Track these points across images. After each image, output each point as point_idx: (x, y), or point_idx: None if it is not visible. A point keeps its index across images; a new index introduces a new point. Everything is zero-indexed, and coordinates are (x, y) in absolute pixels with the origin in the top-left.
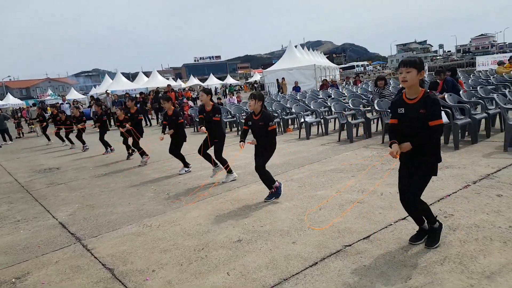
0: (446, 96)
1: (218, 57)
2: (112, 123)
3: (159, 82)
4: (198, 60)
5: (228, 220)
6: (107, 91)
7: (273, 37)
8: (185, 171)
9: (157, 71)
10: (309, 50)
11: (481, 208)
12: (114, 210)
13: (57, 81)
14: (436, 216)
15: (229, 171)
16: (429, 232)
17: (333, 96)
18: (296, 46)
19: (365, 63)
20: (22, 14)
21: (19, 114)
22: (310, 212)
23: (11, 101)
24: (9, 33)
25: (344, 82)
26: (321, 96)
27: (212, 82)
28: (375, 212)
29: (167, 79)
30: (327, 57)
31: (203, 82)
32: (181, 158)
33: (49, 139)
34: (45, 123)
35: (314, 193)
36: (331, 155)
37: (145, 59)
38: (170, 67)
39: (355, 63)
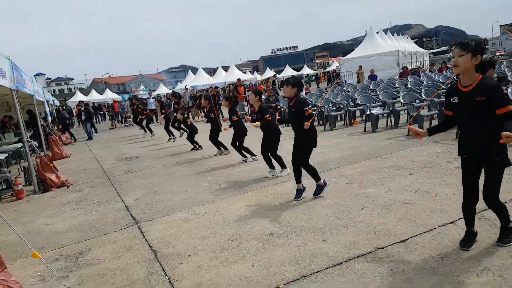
0: None
1: (296, 47)
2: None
3: (236, 75)
4: (275, 52)
5: (266, 213)
6: (186, 86)
7: (355, 22)
8: (253, 159)
9: (236, 65)
10: (395, 35)
11: None
12: (172, 197)
13: (149, 76)
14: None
15: (283, 167)
16: (502, 230)
17: (408, 85)
18: (378, 32)
19: None
20: (118, 15)
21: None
22: (351, 211)
23: (109, 95)
24: (106, 33)
25: (428, 69)
26: (397, 85)
27: (288, 73)
28: (422, 214)
29: (244, 72)
30: (415, 42)
31: (279, 74)
32: (245, 150)
33: (151, 131)
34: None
35: (362, 191)
36: (395, 150)
37: (225, 54)
38: (248, 61)
39: (447, 47)
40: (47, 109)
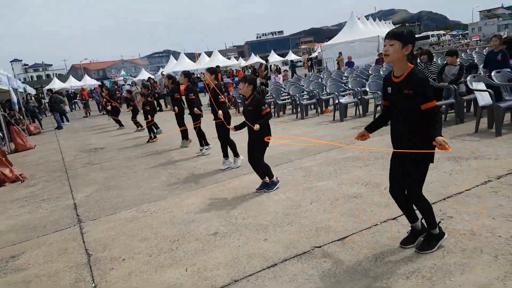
0: (493, 74)
1: (281, 32)
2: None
3: (220, 61)
4: (260, 37)
5: (216, 210)
6: (162, 73)
7: (341, 7)
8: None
9: (220, 50)
10: (377, 21)
11: (489, 211)
12: (124, 193)
13: (130, 62)
14: (439, 222)
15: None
16: (425, 236)
17: (381, 73)
18: (359, 18)
19: (441, 32)
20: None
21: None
22: (299, 206)
23: (88, 81)
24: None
25: None
26: (370, 72)
27: (274, 59)
28: (367, 209)
29: (229, 58)
30: (398, 27)
31: (264, 60)
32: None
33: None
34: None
35: (315, 185)
36: (357, 140)
37: (210, 38)
38: (234, 46)
39: (430, 33)
40: (14, 98)
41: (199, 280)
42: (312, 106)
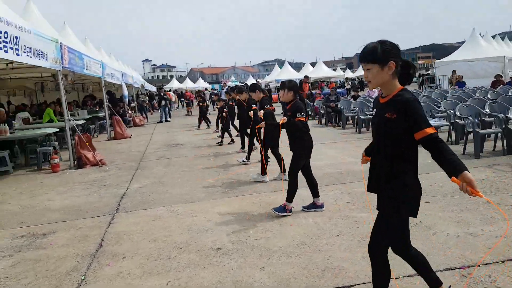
0: None
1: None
2: None
3: (324, 72)
4: None
5: (233, 224)
6: (257, 80)
7: (467, 22)
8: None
9: (328, 61)
10: (506, 40)
11: None
12: (170, 190)
13: (242, 69)
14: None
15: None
16: None
17: (489, 97)
18: (483, 35)
19: None
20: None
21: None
22: (322, 236)
23: (201, 84)
24: (207, 24)
25: None
26: (478, 94)
27: None
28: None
29: (334, 69)
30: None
31: None
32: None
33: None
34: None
35: (354, 215)
36: (431, 169)
37: (321, 49)
38: (343, 57)
39: None
40: (125, 92)
41: None
42: None
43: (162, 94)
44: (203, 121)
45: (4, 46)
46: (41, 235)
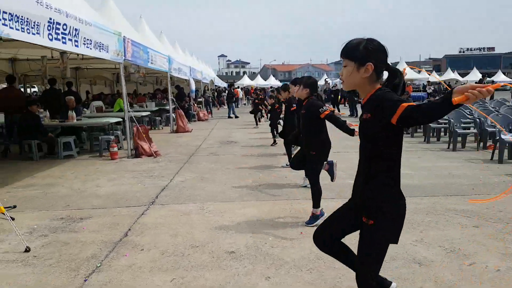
0: None
1: (492, 48)
2: None
3: (407, 73)
4: (463, 52)
5: (256, 228)
6: (326, 79)
7: None
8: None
9: (414, 62)
10: None
11: None
12: (208, 186)
13: (316, 67)
14: None
15: None
16: None
17: None
18: None
19: None
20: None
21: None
22: None
23: (272, 82)
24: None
25: None
26: None
27: (474, 77)
28: (416, 281)
29: (418, 72)
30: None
31: (463, 77)
32: None
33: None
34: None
35: None
36: (497, 191)
37: (405, 48)
38: (430, 58)
39: None
40: (192, 87)
41: None
42: (473, 138)
43: (231, 90)
44: (261, 119)
45: (63, 38)
46: (78, 219)
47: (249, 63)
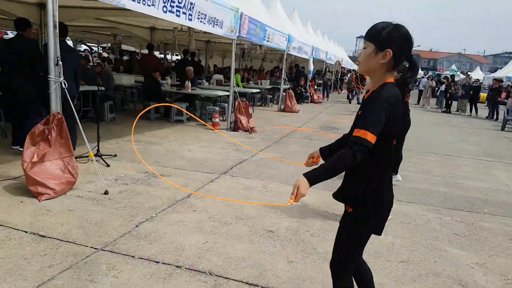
0: None
1: None
2: None
3: None
4: None
5: (306, 215)
6: (468, 73)
7: None
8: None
9: None
10: None
11: None
12: (282, 167)
13: (468, 57)
14: None
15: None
16: None
17: None
18: None
19: None
20: None
21: None
22: (382, 255)
23: None
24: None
25: None
26: None
27: None
28: None
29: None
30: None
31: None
32: None
33: None
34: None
35: (443, 247)
36: None
37: None
38: None
39: None
40: (310, 67)
41: (200, 261)
42: None
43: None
44: None
45: (177, 11)
46: (159, 175)
47: None
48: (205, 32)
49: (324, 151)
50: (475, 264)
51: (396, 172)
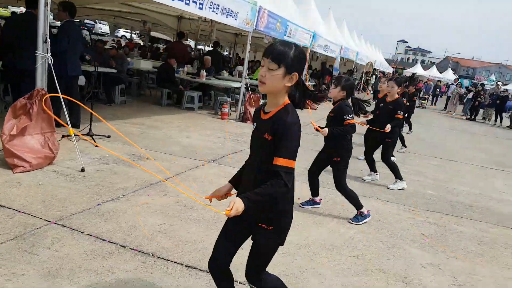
0: None
1: None
2: None
3: None
4: None
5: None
6: (498, 82)
7: None
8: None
9: None
10: None
11: None
12: None
13: (510, 68)
14: None
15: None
16: None
17: None
18: None
19: None
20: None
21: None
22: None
23: (448, 75)
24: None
25: None
26: None
27: None
28: None
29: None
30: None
31: None
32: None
33: None
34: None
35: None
36: None
37: None
38: None
39: None
40: (336, 64)
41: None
42: None
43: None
44: None
45: (186, 0)
46: (145, 158)
47: (431, 52)
48: (225, 25)
49: (234, 180)
50: (428, 265)
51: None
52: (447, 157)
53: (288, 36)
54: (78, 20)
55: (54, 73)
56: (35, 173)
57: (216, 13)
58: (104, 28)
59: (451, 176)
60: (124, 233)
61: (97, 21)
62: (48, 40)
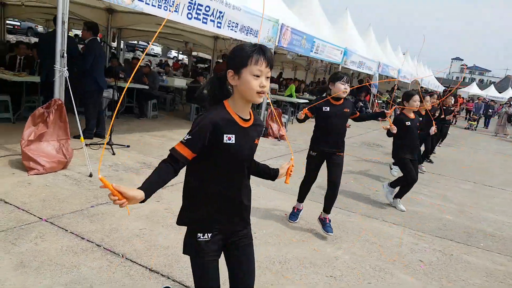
0: None
1: None
2: None
3: None
4: None
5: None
6: None
7: None
8: None
9: None
10: None
11: None
12: None
13: None
14: None
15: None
16: None
17: None
18: None
19: None
20: None
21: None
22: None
23: (510, 94)
24: None
25: None
26: None
27: None
28: None
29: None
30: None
31: None
32: None
33: None
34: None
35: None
36: None
37: None
38: None
39: None
40: (375, 82)
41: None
42: None
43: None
44: None
45: (204, 18)
46: (153, 166)
47: (490, 71)
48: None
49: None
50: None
51: None
52: (483, 181)
53: (315, 52)
54: (101, 40)
55: (85, 88)
56: (47, 176)
57: (235, 31)
58: (156, 49)
59: (482, 202)
60: (103, 234)
61: (149, 42)
62: (65, 55)
